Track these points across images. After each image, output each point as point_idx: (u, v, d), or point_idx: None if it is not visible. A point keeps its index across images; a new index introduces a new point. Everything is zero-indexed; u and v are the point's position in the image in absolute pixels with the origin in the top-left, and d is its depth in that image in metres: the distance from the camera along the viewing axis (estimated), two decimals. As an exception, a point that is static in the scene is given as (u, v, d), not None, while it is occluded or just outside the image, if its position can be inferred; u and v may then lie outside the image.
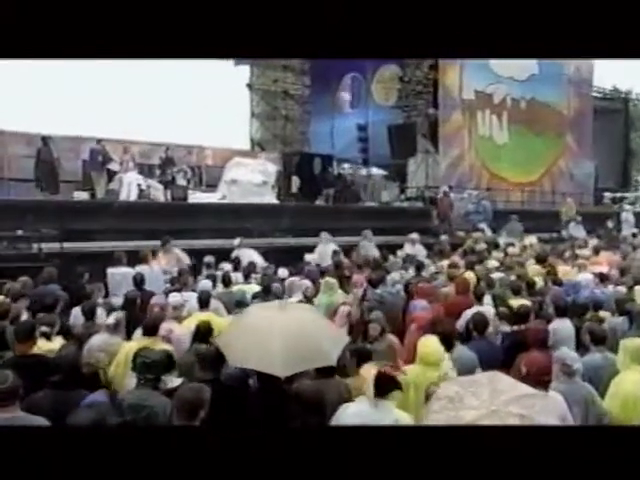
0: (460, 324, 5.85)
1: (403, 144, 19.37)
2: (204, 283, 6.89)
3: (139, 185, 13.39)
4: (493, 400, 2.73)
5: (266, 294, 6.52)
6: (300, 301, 6.27)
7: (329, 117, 23.63)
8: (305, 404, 3.22)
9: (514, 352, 4.56)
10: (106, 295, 7.14)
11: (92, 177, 13.18)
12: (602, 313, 6.28)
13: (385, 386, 3.36)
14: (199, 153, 18.86)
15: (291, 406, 3.27)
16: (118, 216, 11.44)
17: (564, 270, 8.60)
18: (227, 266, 8.28)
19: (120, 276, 7.52)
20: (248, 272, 7.89)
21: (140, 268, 7.46)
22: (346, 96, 23.57)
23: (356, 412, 3.37)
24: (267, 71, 24.94)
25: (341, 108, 23.72)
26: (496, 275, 8.15)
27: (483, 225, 15.12)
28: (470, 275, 7.59)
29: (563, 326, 5.78)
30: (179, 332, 5.46)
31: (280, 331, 3.63)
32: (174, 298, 6.22)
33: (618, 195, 26.06)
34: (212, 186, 15.66)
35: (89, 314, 5.65)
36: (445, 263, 9.25)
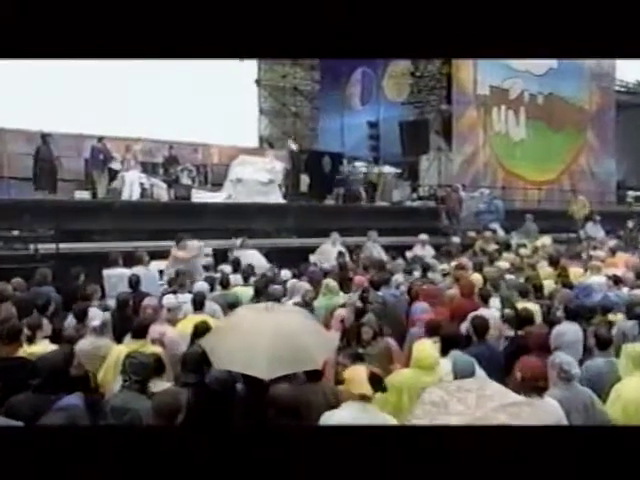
0: (465, 328, 5.83)
1: (415, 141, 19.31)
2: (200, 285, 6.92)
3: (142, 184, 13.48)
4: (479, 407, 2.74)
5: (259, 296, 6.54)
6: (298, 303, 6.29)
7: (339, 114, 23.68)
8: (280, 408, 3.24)
9: (516, 357, 4.54)
10: (102, 297, 7.21)
11: (93, 176, 13.28)
12: (617, 316, 6.24)
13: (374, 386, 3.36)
14: (205, 151, 18.91)
15: (268, 410, 3.29)
16: (117, 216, 11.55)
17: (576, 272, 8.53)
18: (226, 268, 8.32)
19: (116, 278, 7.58)
20: (247, 274, 7.92)
21: (136, 269, 7.52)
22: (356, 92, 23.55)
23: (343, 418, 3.38)
24: (275, 66, 24.96)
25: (351, 104, 23.73)
26: (506, 276, 8.12)
27: (495, 225, 14.97)
28: (476, 277, 7.56)
29: (570, 330, 5.74)
30: (172, 335, 5.50)
31: (266, 333, 3.66)
32: (169, 300, 6.28)
33: (640, 193, 25.79)
34: (218, 185, 15.69)
35: (80, 316, 5.70)
36: (453, 264, 9.22)
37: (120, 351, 4.73)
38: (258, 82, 25.15)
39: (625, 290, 7.47)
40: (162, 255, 10.00)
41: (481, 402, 2.75)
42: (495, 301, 7.08)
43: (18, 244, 9.53)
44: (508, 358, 4.94)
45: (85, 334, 5.36)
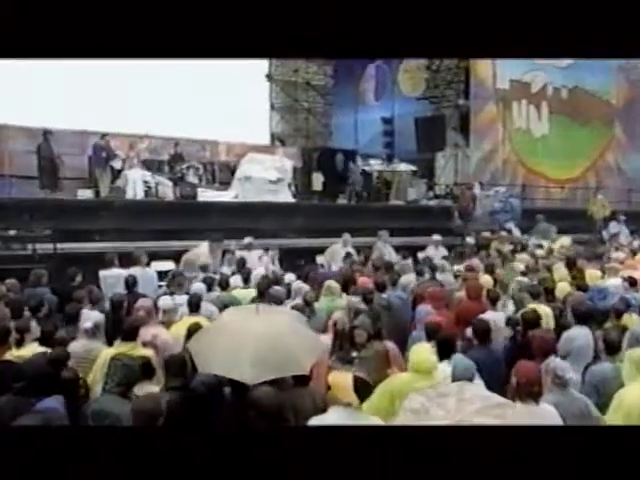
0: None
1: (431, 138, 19.22)
2: (196, 286, 6.98)
3: (146, 182, 13.57)
4: (459, 410, 2.75)
5: (261, 298, 6.57)
6: (299, 304, 6.31)
7: (352, 109, 23.65)
8: (261, 412, 3.26)
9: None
10: (98, 298, 7.28)
11: (96, 174, 13.38)
12: (632, 317, 6.17)
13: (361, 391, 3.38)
14: (213, 148, 18.97)
15: (248, 412, 3.32)
16: (119, 215, 11.64)
17: (593, 274, 8.45)
18: (226, 269, 8.37)
19: (113, 279, 7.68)
20: (247, 275, 7.96)
21: (133, 270, 7.60)
22: (370, 87, 23.52)
23: (329, 423, 3.40)
24: (287, 60, 25.00)
25: (365, 100, 23.71)
26: (519, 278, 8.08)
27: (510, 225, 14.84)
28: (485, 279, 7.54)
29: (580, 334, 5.70)
30: (165, 337, 5.53)
31: (252, 336, 3.69)
32: (164, 301, 6.33)
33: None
34: (226, 183, 15.74)
35: (72, 318, 5.77)
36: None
37: (108, 354, 4.77)
38: (269, 77, 25.18)
39: (644, 293, 7.40)
40: (165, 256, 10.11)
41: (460, 406, 2.77)
42: (508, 304, 7.07)
43: (16, 244, 9.64)
44: (510, 363, 4.91)
45: (77, 336, 5.44)
